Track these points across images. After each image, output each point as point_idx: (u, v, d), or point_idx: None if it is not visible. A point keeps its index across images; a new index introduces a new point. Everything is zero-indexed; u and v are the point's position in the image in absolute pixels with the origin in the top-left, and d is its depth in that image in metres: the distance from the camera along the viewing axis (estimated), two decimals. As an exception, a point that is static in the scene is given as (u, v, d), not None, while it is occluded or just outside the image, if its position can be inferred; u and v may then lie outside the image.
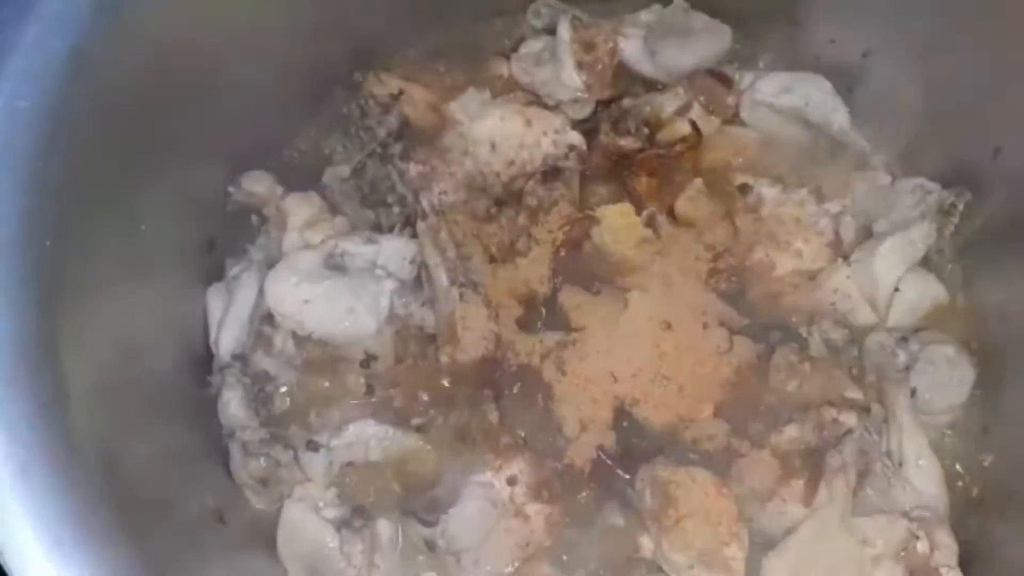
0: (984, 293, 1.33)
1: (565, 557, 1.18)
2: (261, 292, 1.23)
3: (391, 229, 1.30)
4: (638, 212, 1.33)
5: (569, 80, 1.37)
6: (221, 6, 1.13)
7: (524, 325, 1.26)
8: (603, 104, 1.40)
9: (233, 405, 1.19)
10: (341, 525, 1.18)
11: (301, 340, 1.26)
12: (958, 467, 1.26)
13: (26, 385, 0.85)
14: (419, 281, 1.27)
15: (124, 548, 0.86)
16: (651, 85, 1.43)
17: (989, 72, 1.25)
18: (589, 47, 1.39)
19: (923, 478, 1.21)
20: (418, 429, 1.22)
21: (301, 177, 1.34)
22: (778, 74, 1.41)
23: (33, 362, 0.86)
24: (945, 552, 1.17)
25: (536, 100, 1.39)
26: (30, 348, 0.86)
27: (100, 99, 0.97)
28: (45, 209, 0.90)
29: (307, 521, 1.18)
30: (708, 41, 1.43)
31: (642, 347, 1.24)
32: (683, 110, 1.39)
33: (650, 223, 1.32)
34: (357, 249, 1.26)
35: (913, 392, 1.24)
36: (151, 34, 1.03)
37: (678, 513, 1.13)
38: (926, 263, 1.33)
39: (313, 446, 1.19)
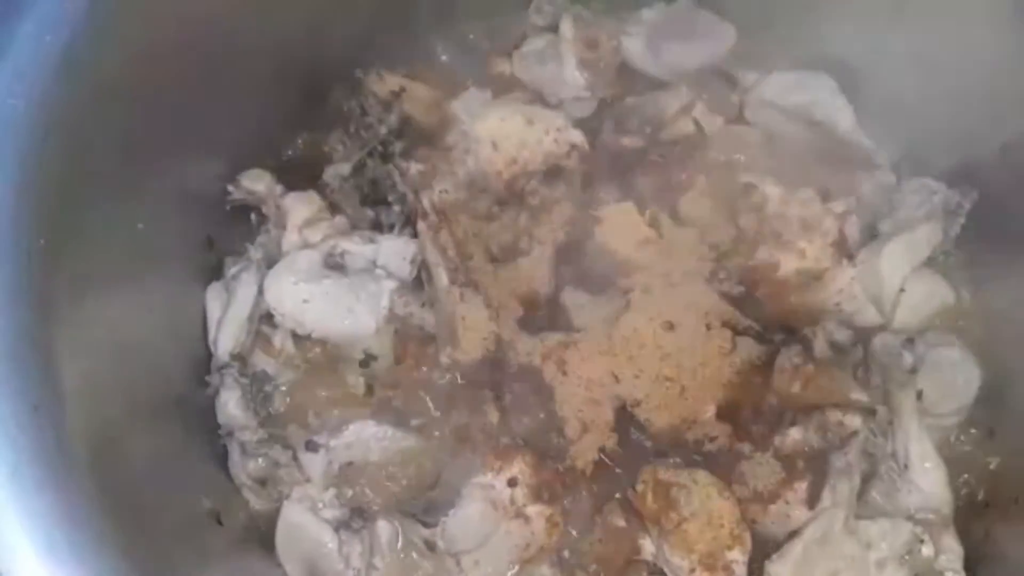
0: (991, 294, 1.32)
1: (566, 559, 1.17)
2: (260, 291, 1.23)
3: (391, 228, 1.30)
4: (641, 212, 1.32)
5: (571, 78, 1.37)
6: (218, 4, 1.13)
7: (525, 325, 1.25)
8: (606, 103, 1.40)
9: (231, 405, 1.19)
10: (340, 526, 1.17)
11: (301, 340, 1.25)
12: (964, 470, 1.24)
13: (17, 386, 0.84)
14: (419, 281, 1.27)
15: (117, 549, 0.85)
16: (654, 84, 1.42)
17: (995, 70, 1.24)
18: (592, 45, 1.39)
19: (928, 481, 1.19)
20: (418, 430, 1.22)
21: (301, 175, 1.34)
22: (783, 73, 1.41)
23: (25, 363, 0.85)
24: (950, 556, 1.16)
25: (538, 99, 1.39)
26: (22, 349, 0.86)
27: (94, 97, 0.97)
28: (38, 208, 0.90)
29: (306, 522, 1.17)
30: (712, 40, 1.43)
31: (644, 348, 1.23)
32: (687, 109, 1.39)
33: (653, 223, 1.32)
34: (357, 248, 1.25)
35: (919, 394, 1.22)
36: (146, 31, 1.03)
37: (679, 515, 1.12)
38: (932, 263, 1.32)
39: (312, 446, 1.19)
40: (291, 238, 1.28)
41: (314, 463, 1.19)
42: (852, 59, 1.38)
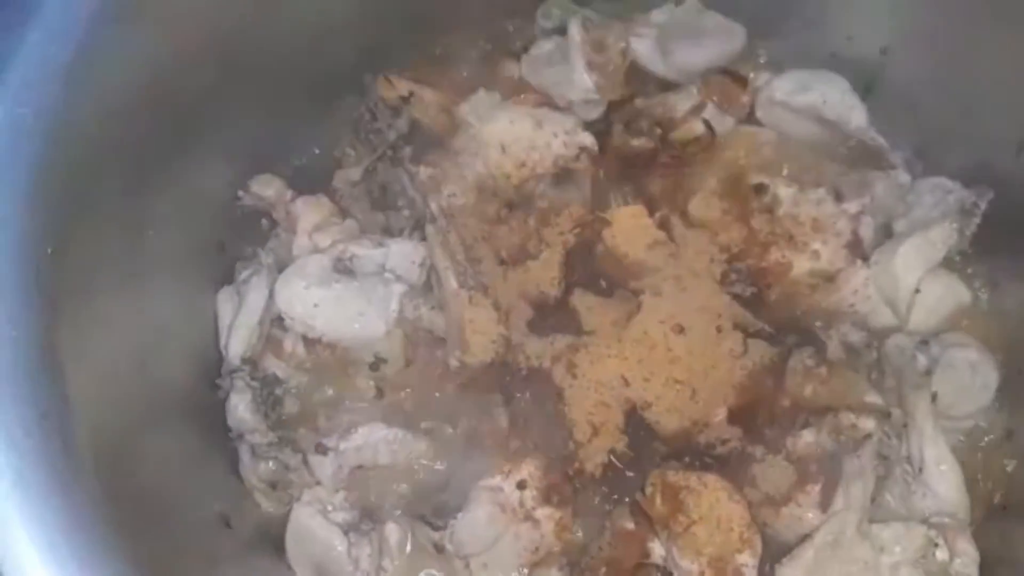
0: (1008, 294, 1.30)
1: (575, 562, 1.17)
2: (271, 295, 1.23)
3: (401, 232, 1.30)
4: (651, 214, 1.31)
5: (580, 81, 1.35)
6: (226, 10, 1.13)
7: (534, 328, 1.25)
8: (615, 105, 1.39)
9: (242, 408, 1.19)
10: (350, 528, 1.17)
11: (311, 343, 1.26)
12: (980, 473, 1.23)
13: (24, 393, 0.84)
14: (429, 284, 1.27)
15: (123, 556, 0.85)
16: (664, 85, 1.41)
17: (1012, 68, 1.22)
18: (600, 47, 1.38)
19: (944, 484, 1.18)
20: (427, 433, 1.22)
21: (311, 180, 1.34)
22: (794, 72, 1.39)
23: (32, 369, 0.85)
24: (966, 560, 1.14)
25: (547, 101, 1.38)
26: (30, 355, 0.86)
27: (103, 105, 0.97)
28: (47, 216, 0.90)
29: (316, 524, 1.17)
30: (722, 40, 1.42)
31: (654, 350, 1.23)
32: (697, 110, 1.38)
33: (663, 225, 1.31)
34: (366, 252, 1.26)
35: (934, 396, 1.21)
36: (154, 39, 1.03)
37: (688, 519, 1.11)
38: (948, 264, 1.30)
39: (322, 449, 1.19)
40: (301, 242, 1.29)
41: (324, 466, 1.19)
42: (864, 57, 1.37)
